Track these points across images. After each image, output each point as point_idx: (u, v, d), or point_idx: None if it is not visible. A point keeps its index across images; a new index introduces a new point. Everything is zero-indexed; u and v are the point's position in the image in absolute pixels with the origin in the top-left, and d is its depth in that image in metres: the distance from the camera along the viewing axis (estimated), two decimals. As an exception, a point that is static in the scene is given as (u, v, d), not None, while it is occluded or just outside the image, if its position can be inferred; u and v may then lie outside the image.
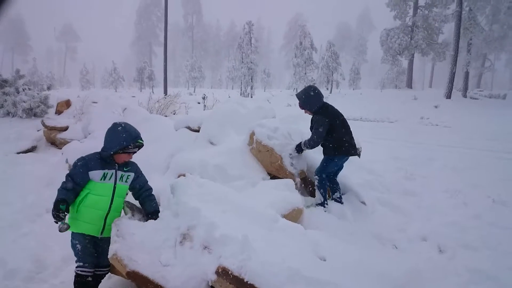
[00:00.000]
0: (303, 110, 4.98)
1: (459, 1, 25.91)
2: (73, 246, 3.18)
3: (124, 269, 2.71)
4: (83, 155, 3.28)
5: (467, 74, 27.86)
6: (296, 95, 4.98)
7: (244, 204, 3.46)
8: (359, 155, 7.20)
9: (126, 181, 3.33)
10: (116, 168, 3.27)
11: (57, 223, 2.99)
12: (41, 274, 3.88)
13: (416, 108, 22.48)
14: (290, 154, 5.13)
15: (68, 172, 3.19)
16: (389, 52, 34.15)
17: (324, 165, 4.87)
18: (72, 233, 3.17)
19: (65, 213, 3.00)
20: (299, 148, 5.05)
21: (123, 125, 3.26)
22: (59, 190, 3.06)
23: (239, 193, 3.97)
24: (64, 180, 3.13)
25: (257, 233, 2.97)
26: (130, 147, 3.20)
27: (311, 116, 4.90)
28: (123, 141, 3.16)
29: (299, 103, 4.94)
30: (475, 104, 24.11)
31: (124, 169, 3.32)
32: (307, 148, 4.90)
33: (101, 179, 3.17)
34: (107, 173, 3.19)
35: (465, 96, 26.86)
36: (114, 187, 3.24)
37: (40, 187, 6.66)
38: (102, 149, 3.26)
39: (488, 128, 15.65)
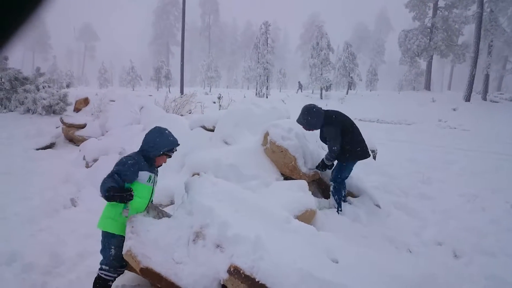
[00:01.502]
0: (311, 131, 4.99)
1: (480, 2, 25.38)
2: (107, 249, 3.12)
3: (138, 265, 2.74)
4: (129, 154, 3.27)
5: (487, 76, 27.25)
6: (297, 121, 4.90)
7: (257, 204, 3.46)
8: (374, 157, 7.14)
9: (155, 185, 3.40)
10: (156, 171, 3.38)
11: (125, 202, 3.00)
12: (58, 268, 3.95)
13: (434, 110, 22.12)
14: (310, 169, 5.16)
15: (116, 169, 3.10)
16: (407, 53, 33.65)
17: (339, 171, 4.89)
18: (109, 237, 3.12)
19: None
20: (322, 165, 4.96)
21: (167, 130, 3.39)
22: (102, 184, 2.96)
23: (253, 193, 3.97)
24: (109, 177, 3.04)
25: (269, 233, 2.98)
26: (174, 150, 3.36)
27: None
28: (172, 143, 3.30)
29: (303, 127, 4.92)
30: (495, 107, 23.59)
31: (157, 173, 3.43)
32: (331, 161, 4.84)
33: (147, 181, 3.21)
34: (151, 176, 3.26)
35: (485, 99, 26.28)
36: (152, 190, 3.32)
37: (58, 184, 6.79)
38: (148, 150, 3.26)
39: (508, 132, 15.30)
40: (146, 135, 3.34)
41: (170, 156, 3.39)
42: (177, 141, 3.38)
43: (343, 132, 4.68)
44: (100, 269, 3.13)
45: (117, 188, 2.95)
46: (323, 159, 4.95)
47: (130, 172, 3.09)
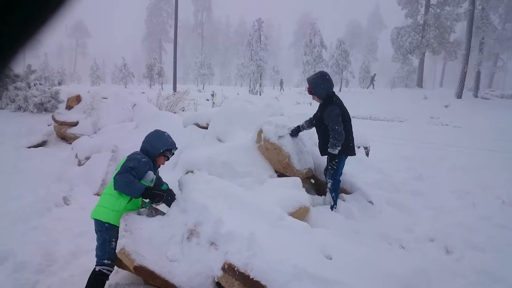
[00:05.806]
0: (311, 96, 4.92)
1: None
2: (108, 243, 3.06)
3: (132, 263, 2.73)
4: (136, 152, 3.31)
5: (478, 73, 27.46)
6: (307, 79, 4.87)
7: (251, 201, 3.46)
8: (367, 154, 7.19)
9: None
10: (157, 172, 3.52)
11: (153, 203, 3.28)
12: (50, 267, 3.93)
13: (426, 107, 22.27)
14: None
15: (129, 164, 3.09)
16: (400, 50, 33.86)
17: (337, 168, 4.84)
18: (110, 230, 3.08)
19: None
20: (331, 154, 4.70)
21: (167, 133, 3.52)
22: (134, 183, 2.98)
23: (246, 190, 3.97)
24: (127, 172, 3.02)
25: (263, 230, 2.98)
26: (173, 151, 3.49)
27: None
28: (171, 143, 3.42)
29: (308, 87, 4.87)
30: (487, 104, 23.80)
31: (158, 174, 3.57)
32: (338, 146, 4.55)
33: (150, 181, 3.28)
34: (154, 177, 3.36)
35: (476, 96, 26.51)
36: None
37: (50, 182, 6.74)
38: (149, 150, 3.35)
39: (499, 129, 15.46)
40: (147, 136, 3.44)
41: (168, 158, 3.51)
42: (175, 144, 3.49)
43: (342, 120, 4.59)
44: (101, 264, 3.07)
45: (152, 188, 3.15)
46: (299, 126, 5.07)
47: (143, 170, 3.18)
